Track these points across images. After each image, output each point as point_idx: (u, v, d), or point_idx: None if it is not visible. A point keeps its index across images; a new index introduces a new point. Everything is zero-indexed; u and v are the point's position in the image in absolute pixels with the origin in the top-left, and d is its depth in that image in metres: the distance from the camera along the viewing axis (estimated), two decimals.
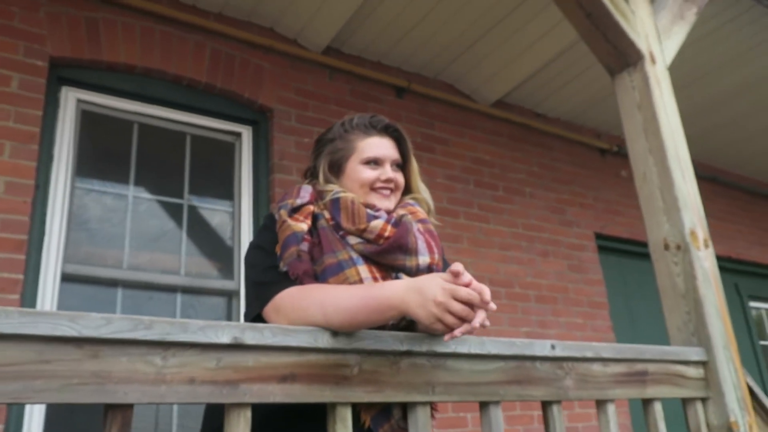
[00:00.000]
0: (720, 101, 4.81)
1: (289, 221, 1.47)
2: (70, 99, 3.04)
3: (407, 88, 4.01)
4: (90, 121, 3.12)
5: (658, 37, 2.53)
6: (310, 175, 1.69)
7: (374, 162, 1.62)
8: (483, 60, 4.14)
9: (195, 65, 3.34)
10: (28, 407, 2.58)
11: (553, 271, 4.27)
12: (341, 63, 3.81)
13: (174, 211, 3.26)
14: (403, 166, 1.68)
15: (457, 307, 1.25)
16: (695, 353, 2.06)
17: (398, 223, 1.54)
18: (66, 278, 2.82)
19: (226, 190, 3.42)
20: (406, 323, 1.52)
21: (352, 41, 3.87)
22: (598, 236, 4.68)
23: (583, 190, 4.75)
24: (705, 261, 2.22)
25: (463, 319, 1.26)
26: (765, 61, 4.39)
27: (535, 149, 4.63)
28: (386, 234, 1.49)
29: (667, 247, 2.26)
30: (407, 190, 1.70)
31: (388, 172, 1.62)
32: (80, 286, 2.86)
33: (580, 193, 4.72)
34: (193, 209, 3.31)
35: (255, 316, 1.45)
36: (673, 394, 1.96)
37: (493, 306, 1.26)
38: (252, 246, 1.54)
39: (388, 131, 1.67)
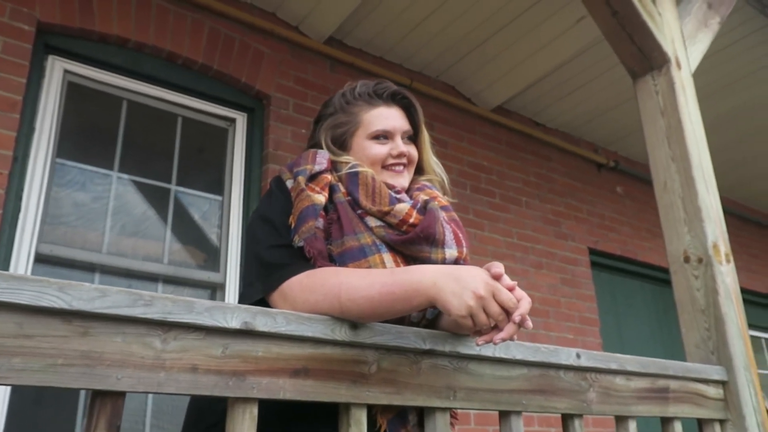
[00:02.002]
0: (716, 125, 4.75)
1: (307, 191, 1.29)
2: (56, 69, 2.84)
3: (409, 86, 3.87)
4: (76, 95, 2.92)
5: (684, 42, 2.44)
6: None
7: (383, 136, 1.45)
8: (486, 64, 4.03)
9: (191, 44, 3.17)
10: None
11: (546, 284, 4.16)
12: (343, 55, 3.67)
13: (160, 196, 3.07)
14: (414, 137, 1.52)
15: (495, 310, 1.11)
16: (716, 372, 1.95)
17: (424, 210, 1.38)
18: (40, 259, 2.62)
19: (216, 178, 3.24)
20: (427, 322, 1.38)
21: (356, 33, 3.73)
22: (592, 251, 4.59)
23: (578, 203, 4.66)
24: (727, 276, 2.12)
25: (494, 323, 1.13)
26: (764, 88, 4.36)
27: (533, 158, 4.53)
28: (411, 220, 1.33)
29: (687, 259, 2.15)
30: (418, 163, 1.53)
31: (399, 145, 1.45)
32: (55, 269, 2.66)
33: (576, 207, 4.63)
34: (180, 195, 3.12)
35: (256, 299, 1.26)
36: (693, 413, 1.85)
37: (529, 324, 1.13)
38: (258, 216, 1.34)
39: (396, 99, 1.49)
